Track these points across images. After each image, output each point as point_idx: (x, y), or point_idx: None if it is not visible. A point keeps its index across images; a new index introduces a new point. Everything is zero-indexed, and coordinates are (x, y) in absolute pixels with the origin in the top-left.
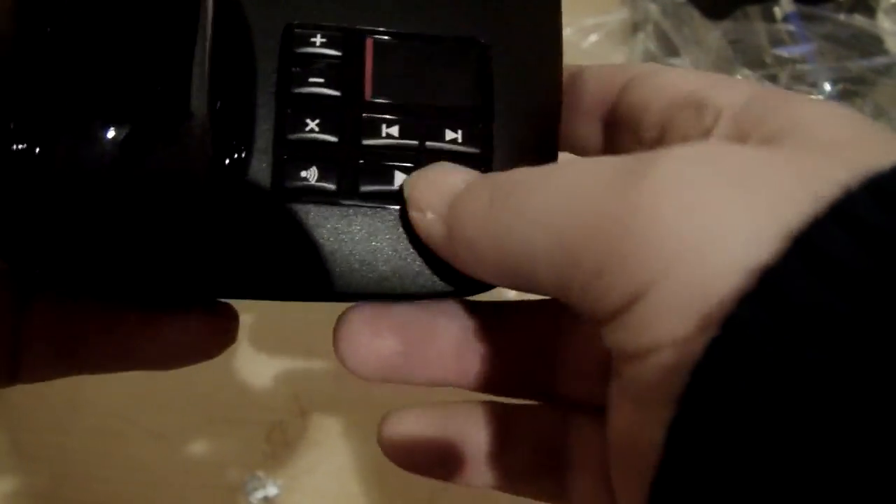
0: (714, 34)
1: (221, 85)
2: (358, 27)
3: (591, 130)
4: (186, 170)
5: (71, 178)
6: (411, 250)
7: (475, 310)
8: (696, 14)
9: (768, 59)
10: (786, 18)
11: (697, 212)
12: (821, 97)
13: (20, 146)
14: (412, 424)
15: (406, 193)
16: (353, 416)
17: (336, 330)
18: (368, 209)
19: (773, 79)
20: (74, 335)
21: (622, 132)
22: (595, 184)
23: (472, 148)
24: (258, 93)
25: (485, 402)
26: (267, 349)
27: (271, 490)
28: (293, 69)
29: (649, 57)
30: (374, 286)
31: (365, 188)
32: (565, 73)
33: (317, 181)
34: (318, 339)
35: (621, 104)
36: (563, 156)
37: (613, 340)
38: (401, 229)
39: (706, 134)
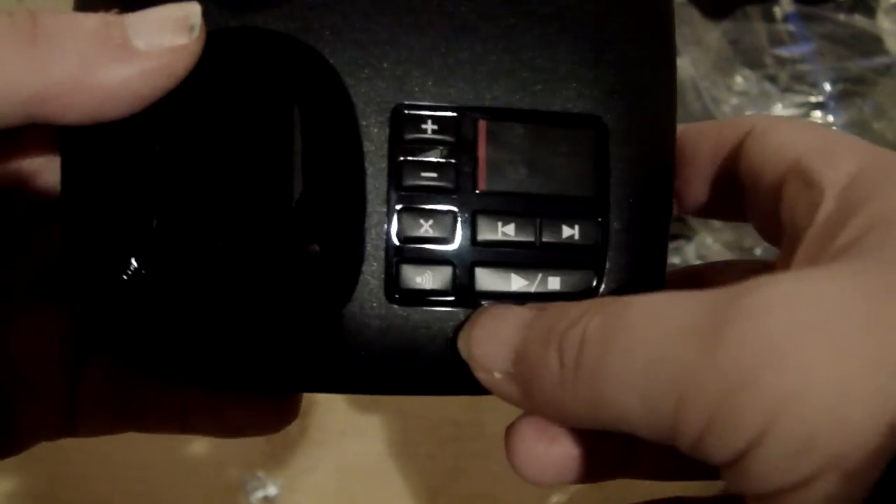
0: (714, 34)
1: (328, 183)
2: (470, 105)
3: (699, 190)
4: (294, 276)
5: (184, 294)
6: None
7: None
8: (696, 14)
9: (768, 59)
10: (786, 18)
11: (794, 362)
12: (821, 98)
13: (141, 272)
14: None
15: (464, 354)
16: (353, 416)
17: (509, 440)
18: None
19: (772, 79)
20: (132, 398)
21: (737, 193)
22: (686, 332)
23: (587, 242)
24: (368, 184)
25: None
26: None
27: (271, 490)
28: (404, 159)
29: None
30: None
31: (480, 290)
32: None
33: (431, 286)
34: None
35: (737, 166)
36: None
37: (735, 486)
38: None
39: (813, 210)
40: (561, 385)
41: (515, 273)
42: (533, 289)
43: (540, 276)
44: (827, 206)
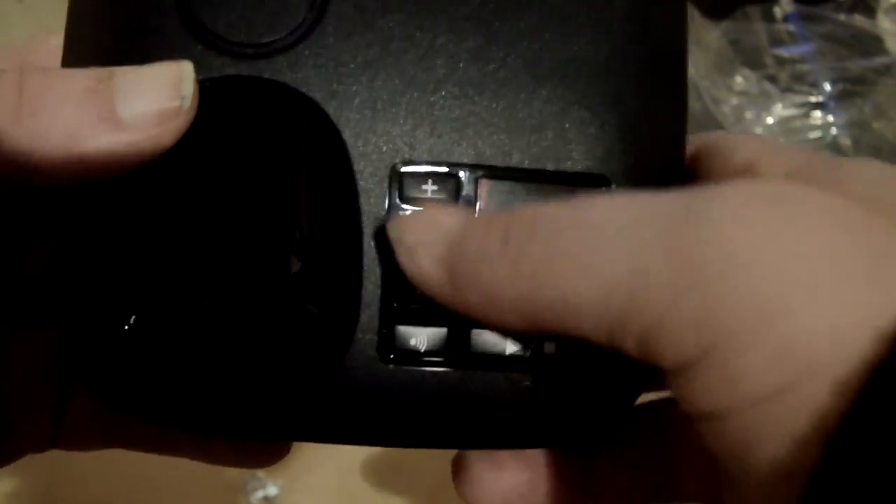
0: (714, 34)
1: (326, 241)
2: (471, 163)
3: None
4: (291, 333)
5: (177, 346)
6: (520, 407)
7: None
8: (696, 14)
9: (768, 59)
10: (786, 18)
11: (775, 260)
12: (821, 98)
13: (137, 323)
14: None
15: (391, 235)
16: None
17: (456, 471)
18: (478, 374)
19: (772, 79)
20: (118, 418)
21: None
22: (650, 220)
23: None
24: (365, 244)
25: None
26: None
27: (271, 490)
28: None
29: None
30: (481, 439)
31: (476, 352)
32: None
33: (426, 347)
34: None
35: (694, 177)
36: None
37: (683, 395)
38: (505, 388)
39: None
40: (500, 265)
41: (511, 343)
42: (529, 353)
43: (536, 340)
44: None
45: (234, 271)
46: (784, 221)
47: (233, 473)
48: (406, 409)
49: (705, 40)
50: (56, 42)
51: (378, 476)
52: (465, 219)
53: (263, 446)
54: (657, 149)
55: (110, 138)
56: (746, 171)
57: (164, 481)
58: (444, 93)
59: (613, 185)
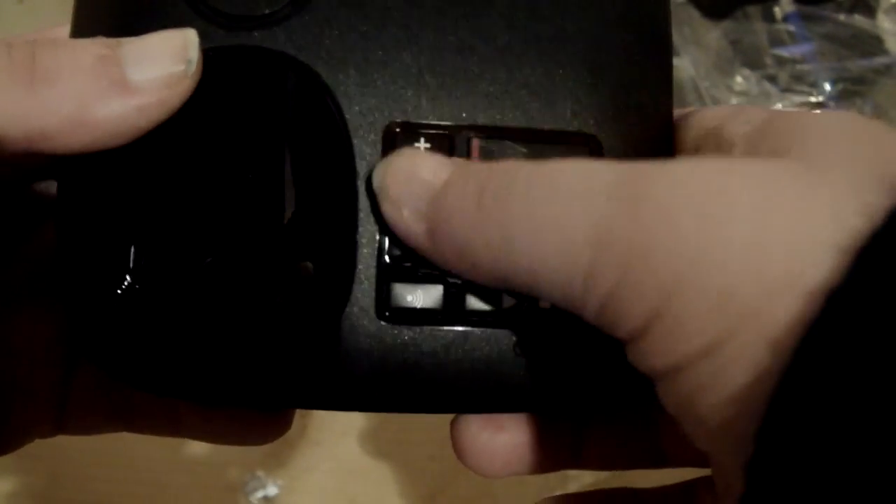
0: (714, 34)
1: (320, 201)
2: (463, 123)
3: None
4: (286, 293)
5: (175, 310)
6: (517, 369)
7: None
8: (696, 14)
9: (768, 59)
10: (786, 18)
11: (711, 223)
12: (821, 98)
13: (134, 287)
14: None
15: (376, 184)
16: (353, 416)
17: (453, 431)
18: (475, 331)
19: (772, 79)
20: (122, 399)
21: None
22: (606, 193)
23: None
24: (360, 202)
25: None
26: None
27: (271, 490)
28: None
29: None
30: (480, 403)
31: (471, 309)
32: None
33: (422, 305)
34: None
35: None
36: None
37: (640, 361)
38: (509, 350)
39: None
40: (474, 224)
41: (506, 295)
42: (524, 307)
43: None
44: (738, 151)
45: (229, 231)
46: (719, 191)
47: (233, 473)
48: (403, 371)
49: (705, 40)
50: (63, 32)
51: (378, 476)
52: (446, 172)
53: (264, 420)
54: (645, 113)
55: (122, 103)
56: (713, 133)
57: (165, 481)
58: (437, 55)
59: (604, 147)
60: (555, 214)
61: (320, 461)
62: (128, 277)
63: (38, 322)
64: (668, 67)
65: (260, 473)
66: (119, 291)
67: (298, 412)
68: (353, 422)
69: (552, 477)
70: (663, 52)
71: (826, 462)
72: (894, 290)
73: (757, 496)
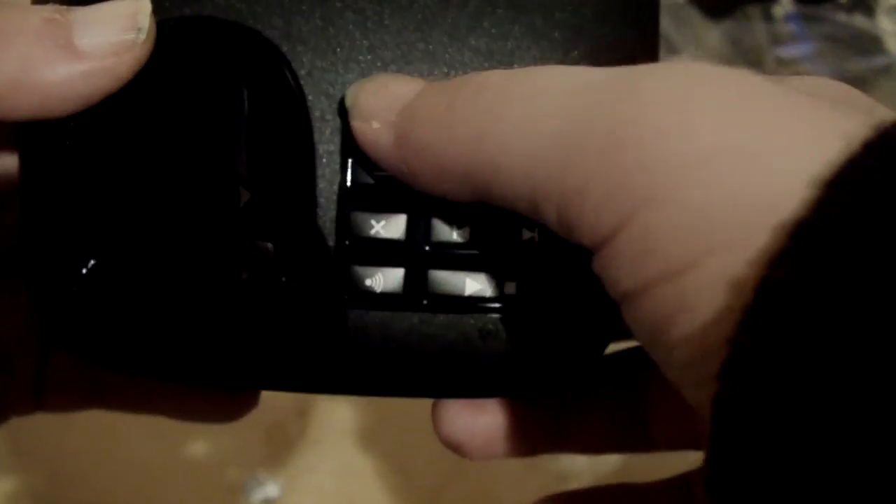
0: (714, 34)
1: (279, 175)
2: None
3: None
4: (247, 273)
5: (137, 287)
6: (480, 354)
7: None
8: (696, 14)
9: (768, 59)
10: (786, 18)
11: (693, 131)
12: None
13: (93, 267)
14: None
15: (348, 103)
16: (353, 416)
17: (434, 413)
18: (436, 316)
19: None
20: (96, 377)
21: None
22: (584, 90)
23: (549, 246)
24: (318, 180)
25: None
26: None
27: (271, 490)
28: (356, 154)
29: None
30: (446, 388)
31: (434, 293)
32: None
33: (382, 288)
34: None
35: None
36: None
37: (605, 275)
38: (471, 334)
39: None
40: (443, 124)
41: (470, 277)
42: (489, 293)
43: (496, 280)
44: None
45: (187, 209)
46: (703, 98)
47: (233, 474)
48: (362, 352)
49: (705, 40)
50: (24, 2)
51: (378, 476)
52: (419, 86)
53: (230, 399)
54: None
55: (67, 68)
56: None
57: (165, 481)
58: (399, 25)
59: None
60: (530, 108)
61: (320, 461)
62: (91, 260)
63: (13, 299)
64: (656, 35)
65: (260, 474)
66: (83, 272)
67: (298, 412)
68: (353, 422)
69: (552, 478)
70: (650, 17)
71: (785, 408)
72: (860, 229)
73: (723, 438)
